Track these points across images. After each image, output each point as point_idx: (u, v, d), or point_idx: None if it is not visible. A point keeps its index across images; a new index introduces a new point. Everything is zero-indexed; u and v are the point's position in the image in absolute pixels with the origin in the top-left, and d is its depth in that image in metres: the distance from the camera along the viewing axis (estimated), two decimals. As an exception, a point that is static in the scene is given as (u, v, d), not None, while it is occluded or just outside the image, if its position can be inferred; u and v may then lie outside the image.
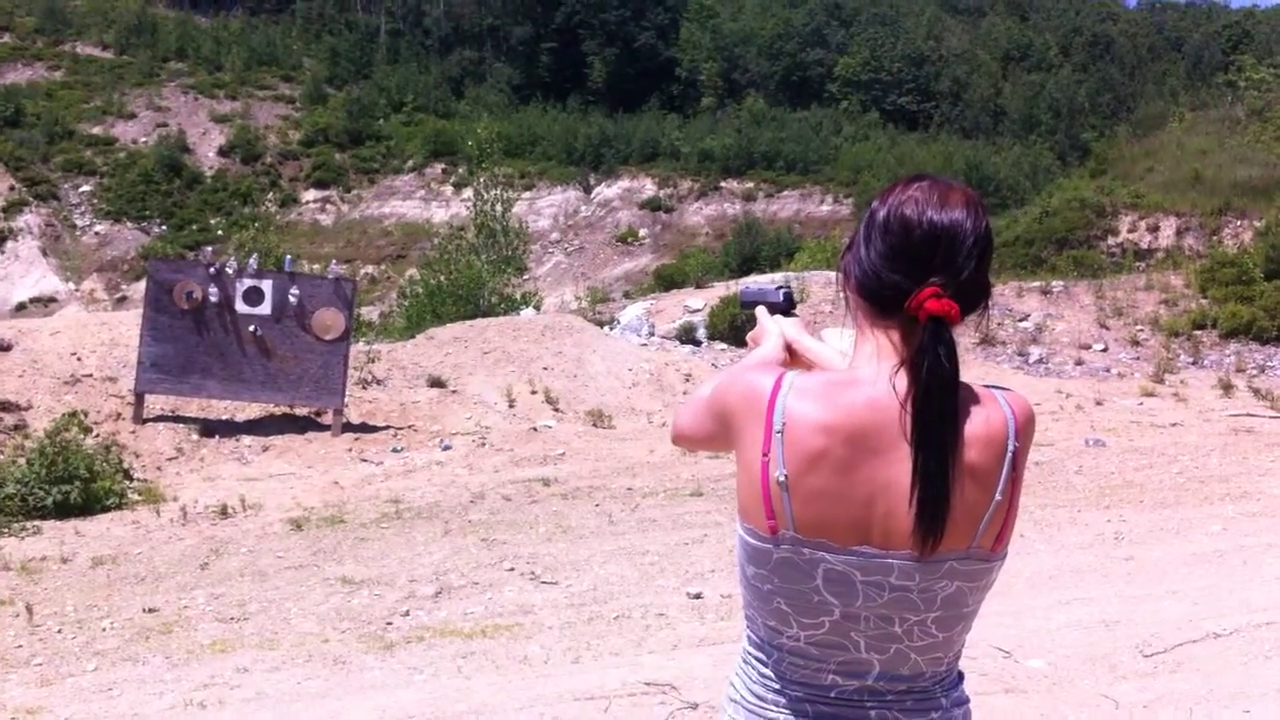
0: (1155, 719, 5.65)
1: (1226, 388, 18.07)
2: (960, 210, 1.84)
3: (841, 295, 2.00)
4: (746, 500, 1.86)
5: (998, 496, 1.83)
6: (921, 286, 1.80)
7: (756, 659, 1.96)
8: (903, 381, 1.81)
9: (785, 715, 1.92)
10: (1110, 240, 33.40)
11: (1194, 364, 21.24)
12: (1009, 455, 1.84)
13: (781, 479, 1.81)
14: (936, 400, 1.78)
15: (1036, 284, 24.49)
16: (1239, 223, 32.66)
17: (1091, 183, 40.86)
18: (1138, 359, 21.56)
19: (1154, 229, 33.72)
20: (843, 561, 1.82)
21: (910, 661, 1.89)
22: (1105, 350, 22.09)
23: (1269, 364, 21.29)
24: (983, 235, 1.84)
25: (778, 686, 1.93)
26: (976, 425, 1.83)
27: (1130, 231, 33.66)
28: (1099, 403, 16.80)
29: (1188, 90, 59.94)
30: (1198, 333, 22.58)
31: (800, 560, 1.83)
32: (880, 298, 1.87)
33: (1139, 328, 22.88)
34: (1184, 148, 42.19)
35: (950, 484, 1.78)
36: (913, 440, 1.79)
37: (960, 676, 1.99)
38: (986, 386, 1.91)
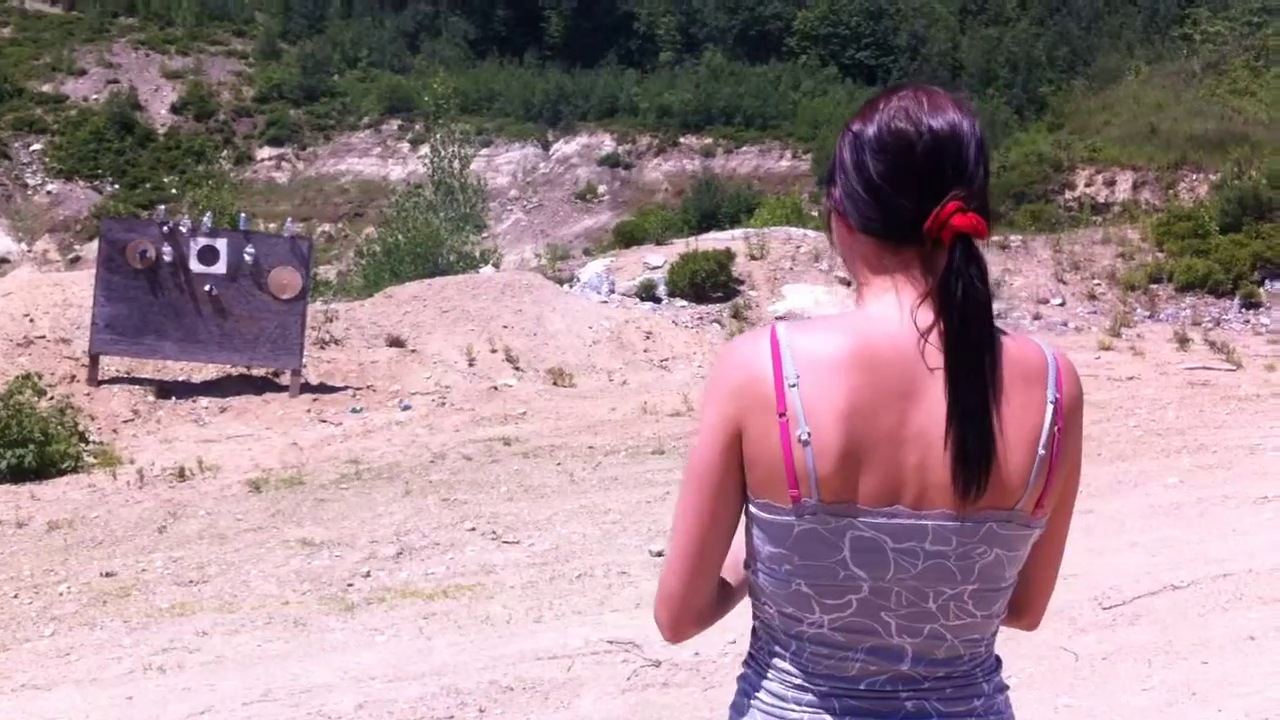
0: (1114, 671, 5.70)
1: (1183, 341, 18.22)
2: (954, 112, 1.67)
3: (835, 248, 1.79)
4: (762, 474, 1.65)
5: (1040, 450, 1.65)
6: (941, 203, 1.61)
7: (771, 653, 1.76)
8: (926, 315, 1.63)
9: (809, 714, 1.71)
10: (1067, 194, 33.61)
11: (1150, 318, 21.42)
12: (1050, 404, 1.67)
13: (804, 437, 1.60)
14: (974, 326, 1.60)
15: (995, 238, 24.49)
16: (1195, 176, 32.92)
17: (1049, 137, 41.01)
18: (1095, 313, 21.71)
19: (1110, 183, 33.95)
20: (872, 526, 1.63)
21: (946, 644, 1.71)
22: (1063, 305, 22.23)
23: (1224, 317, 21.50)
24: (981, 137, 1.67)
25: (800, 681, 1.72)
26: (1011, 365, 1.65)
27: (1087, 185, 33.88)
28: (1057, 356, 16.90)
29: (1144, 44, 60.07)
30: (1154, 286, 22.76)
31: (825, 530, 1.63)
32: (890, 226, 1.67)
33: (1096, 282, 23.04)
34: (1140, 101, 42.39)
35: (993, 422, 1.61)
36: (948, 375, 1.61)
37: (999, 661, 1.80)
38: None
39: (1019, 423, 1.65)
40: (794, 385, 1.62)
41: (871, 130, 1.69)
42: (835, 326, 1.68)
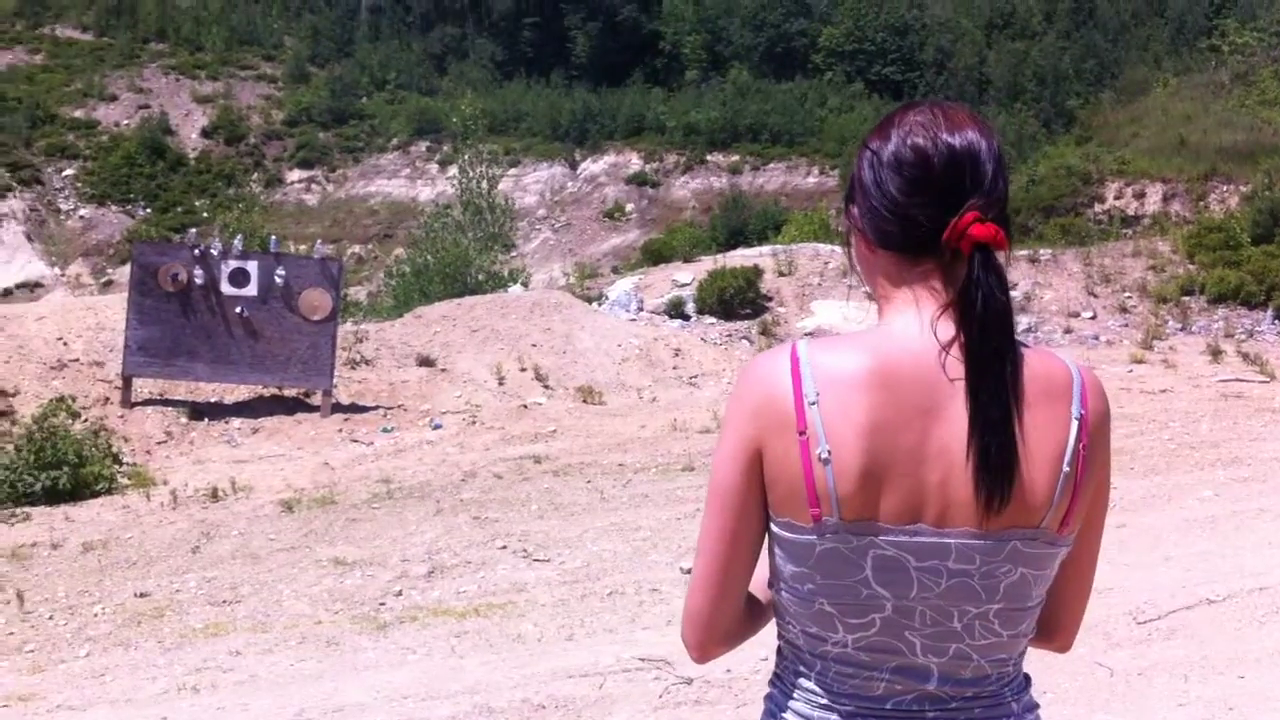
0: (1150, 686, 5.65)
1: (1215, 353, 18.08)
2: (972, 129, 1.66)
3: (854, 266, 1.78)
4: (783, 493, 1.64)
5: (1065, 467, 1.63)
6: (960, 214, 1.60)
7: (796, 673, 1.74)
8: (947, 327, 1.61)
9: None
10: (1097, 207, 33.38)
11: (1183, 330, 21.26)
12: (1075, 420, 1.65)
13: (824, 455, 1.59)
14: (995, 337, 1.59)
15: (1024, 252, 24.46)
16: (1225, 187, 32.69)
17: (1077, 150, 40.82)
18: (1126, 326, 21.57)
19: (1140, 195, 33.72)
20: (895, 545, 1.61)
21: (972, 664, 1.68)
22: (1094, 318, 22.10)
23: (1257, 329, 21.32)
24: (999, 152, 1.67)
25: (825, 701, 1.70)
26: (1034, 380, 1.63)
27: (1117, 198, 33.66)
28: (1088, 370, 16.77)
29: (1171, 55, 59.78)
30: (1186, 299, 22.59)
31: (847, 549, 1.62)
32: (909, 239, 1.65)
33: (1127, 295, 22.89)
34: (1169, 113, 42.18)
35: (1015, 433, 1.59)
36: (968, 386, 1.59)
37: (1028, 679, 1.78)
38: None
39: (1043, 439, 1.63)
40: (814, 403, 1.61)
41: (890, 147, 1.69)
42: (856, 343, 1.66)
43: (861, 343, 1.66)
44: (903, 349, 1.64)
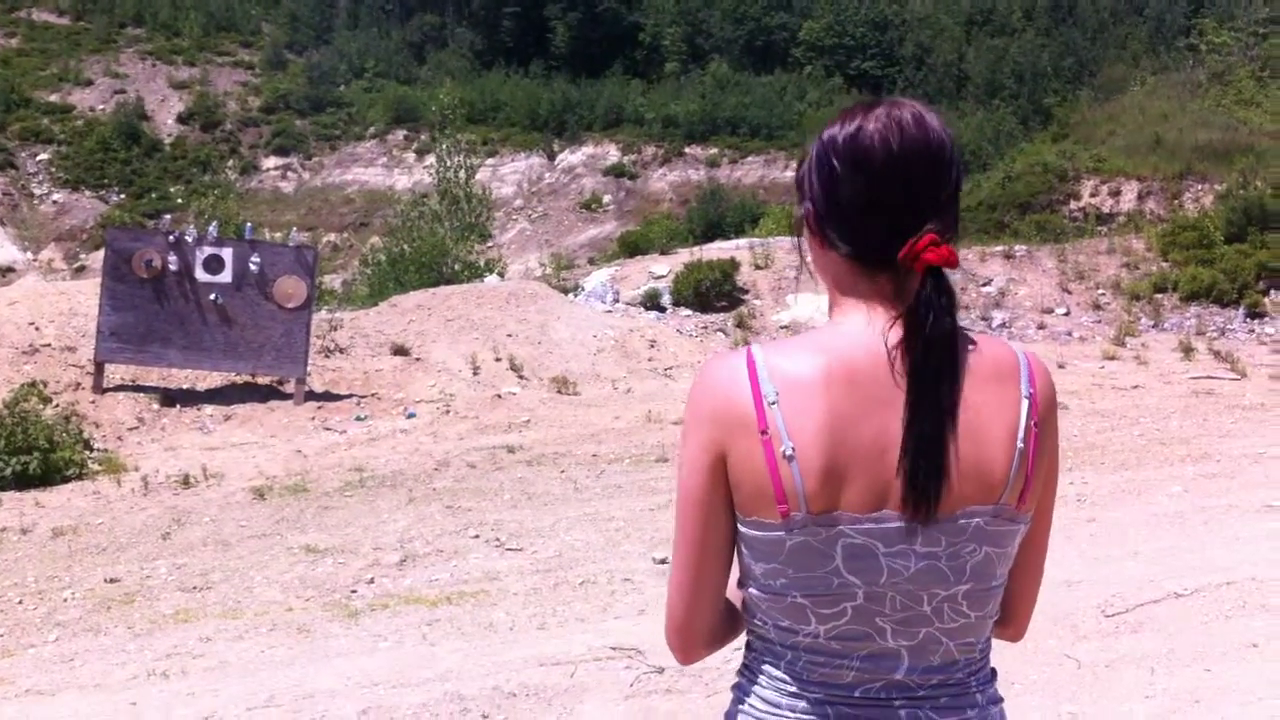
0: (1117, 678, 5.69)
1: (1187, 350, 18.20)
2: (926, 129, 1.67)
3: (805, 264, 1.79)
4: (749, 493, 1.65)
5: (1019, 444, 1.67)
6: (918, 235, 1.62)
7: (766, 662, 1.75)
8: (896, 335, 1.63)
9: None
10: (1073, 204, 33.50)
11: (1155, 327, 21.39)
12: (1025, 399, 1.69)
13: (788, 452, 1.61)
14: (937, 356, 1.62)
15: (1000, 248, 24.58)
16: (1200, 186, 32.83)
17: (1054, 147, 40.93)
18: (1099, 322, 21.69)
19: (1116, 193, 33.85)
20: (863, 532, 1.64)
21: (942, 648, 1.71)
22: (1067, 314, 22.21)
23: (1229, 327, 21.47)
24: (952, 152, 1.68)
25: (794, 689, 1.72)
26: (983, 364, 1.68)
27: (1092, 196, 33.79)
28: (1061, 366, 16.90)
29: (1149, 54, 59.96)
30: (1159, 296, 22.74)
31: (817, 541, 1.64)
32: (858, 248, 1.68)
33: (1101, 291, 23.01)
34: (1145, 112, 42.27)
35: (947, 447, 1.62)
36: (908, 399, 1.62)
37: (994, 673, 1.80)
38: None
39: (995, 418, 1.67)
40: (774, 403, 1.63)
41: (842, 146, 1.69)
42: (810, 344, 1.68)
43: (815, 343, 1.69)
44: (856, 345, 1.66)
